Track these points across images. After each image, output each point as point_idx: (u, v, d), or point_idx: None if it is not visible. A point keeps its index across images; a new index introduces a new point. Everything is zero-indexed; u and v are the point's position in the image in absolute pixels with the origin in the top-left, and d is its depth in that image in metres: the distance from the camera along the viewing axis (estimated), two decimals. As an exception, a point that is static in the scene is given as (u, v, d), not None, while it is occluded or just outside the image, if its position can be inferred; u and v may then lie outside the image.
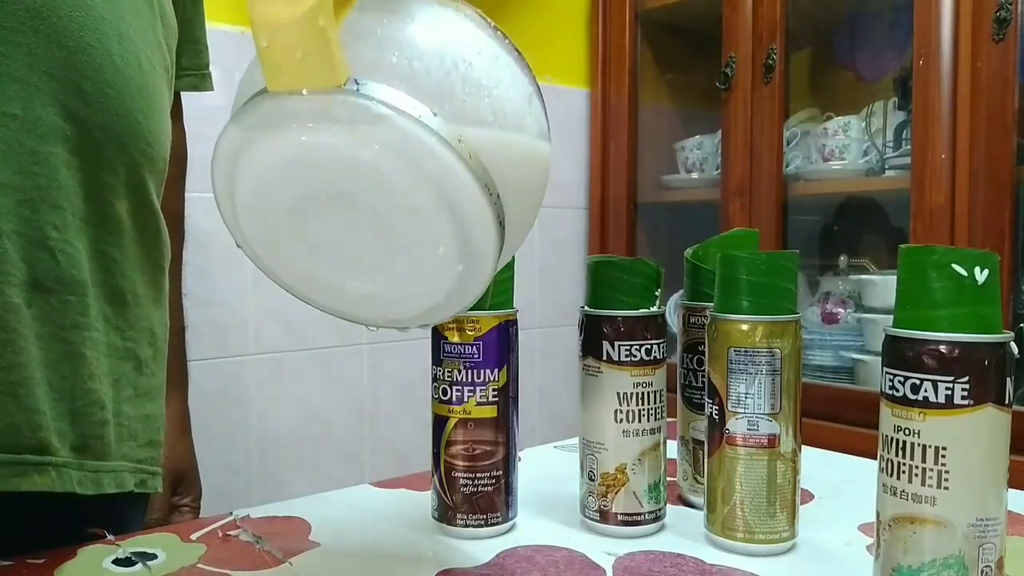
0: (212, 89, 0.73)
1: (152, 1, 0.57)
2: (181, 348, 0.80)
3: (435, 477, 0.54)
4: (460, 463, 0.53)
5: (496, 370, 0.53)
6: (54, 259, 0.50)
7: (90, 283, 0.53)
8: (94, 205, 0.53)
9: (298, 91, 0.29)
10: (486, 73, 0.32)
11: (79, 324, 0.52)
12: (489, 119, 0.33)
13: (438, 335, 0.53)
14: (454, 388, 0.53)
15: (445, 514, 0.54)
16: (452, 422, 0.53)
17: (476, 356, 0.52)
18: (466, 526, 0.53)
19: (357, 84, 0.29)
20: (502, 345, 0.53)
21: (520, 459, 0.56)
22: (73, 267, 0.51)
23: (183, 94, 0.74)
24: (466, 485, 0.53)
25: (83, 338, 0.52)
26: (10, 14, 0.47)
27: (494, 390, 0.53)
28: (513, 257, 0.51)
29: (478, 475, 0.53)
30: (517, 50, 0.35)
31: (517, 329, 0.54)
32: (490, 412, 0.53)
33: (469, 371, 0.52)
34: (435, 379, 0.54)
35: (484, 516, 0.53)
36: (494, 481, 0.53)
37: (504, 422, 0.53)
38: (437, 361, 0.54)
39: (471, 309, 0.51)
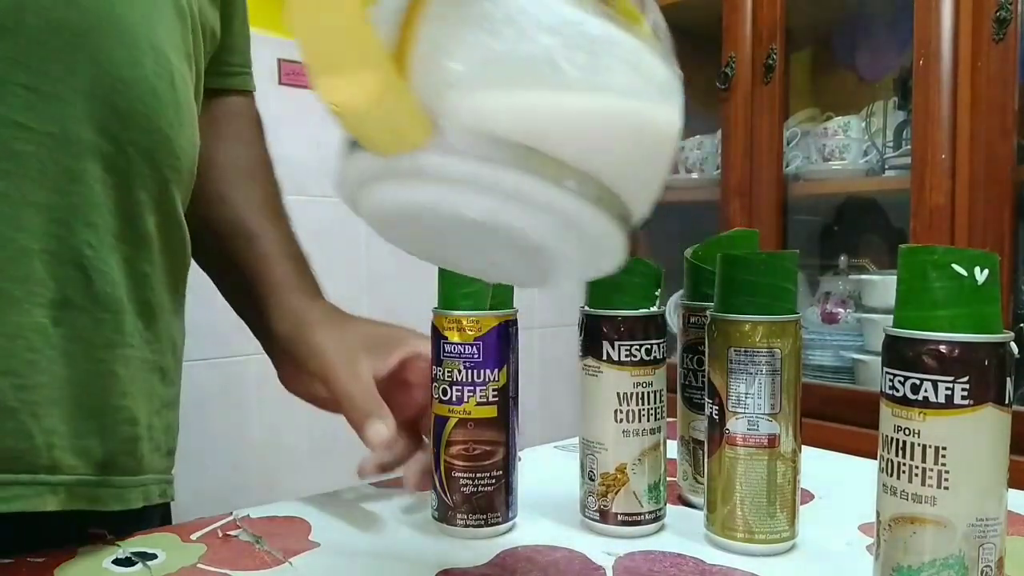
0: (254, 88, 0.72)
1: (185, 14, 0.57)
2: None
3: (435, 477, 0.54)
4: (460, 463, 0.53)
5: (496, 370, 0.52)
6: (88, 277, 0.50)
7: (125, 300, 0.53)
8: (127, 222, 0.53)
9: (388, 154, 0.28)
10: (579, 70, 0.29)
11: (113, 342, 0.52)
12: (592, 117, 0.29)
13: (438, 335, 0.53)
14: (454, 388, 0.52)
15: (445, 514, 0.53)
16: (452, 422, 0.53)
17: (476, 356, 0.52)
18: (466, 526, 0.53)
19: (441, 136, 0.28)
20: (502, 345, 0.53)
21: (520, 459, 0.56)
22: (107, 285, 0.51)
23: None
24: (466, 485, 0.53)
25: (115, 355, 0.52)
26: (54, 33, 0.47)
27: (494, 390, 0.52)
28: None
29: (478, 475, 0.53)
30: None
31: (517, 329, 0.54)
32: (490, 412, 0.53)
33: (469, 371, 0.52)
34: (435, 379, 0.53)
35: (484, 516, 0.53)
36: (494, 481, 0.53)
37: (504, 422, 0.53)
38: (437, 361, 0.53)
39: (472, 309, 0.52)
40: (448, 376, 0.53)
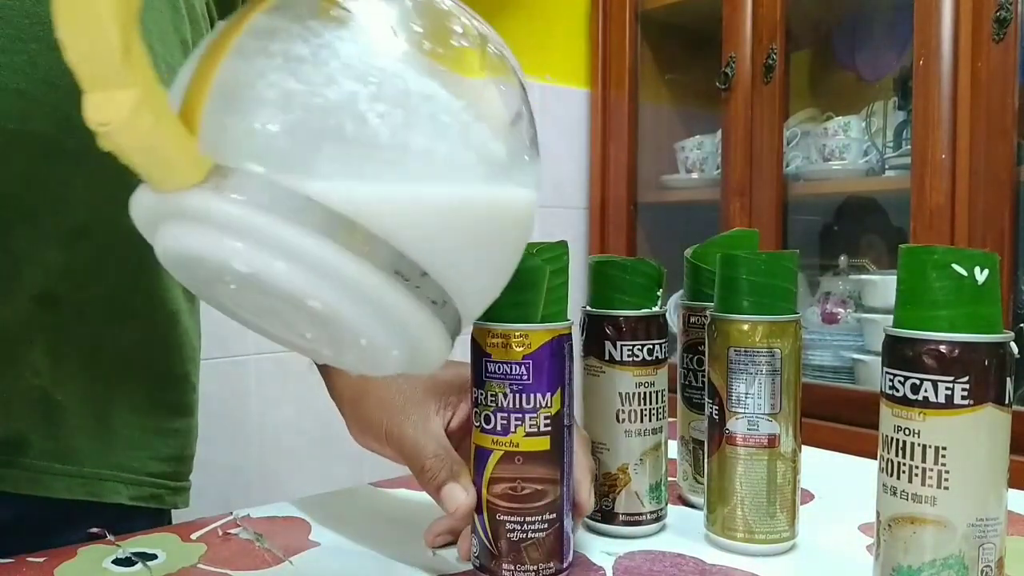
0: None
1: (178, 2, 0.55)
2: None
3: (477, 519, 0.46)
4: (506, 504, 0.45)
5: (549, 394, 0.45)
6: (19, 272, 0.49)
7: (75, 298, 0.52)
8: (101, 220, 0.51)
9: (160, 192, 0.26)
10: (387, 124, 0.26)
11: (29, 335, 0.51)
12: (398, 183, 0.27)
13: (479, 351, 0.45)
14: (499, 415, 0.45)
15: (489, 563, 0.46)
16: (496, 455, 0.45)
17: (525, 377, 0.44)
18: None
19: (220, 178, 0.25)
20: (556, 364, 0.45)
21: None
22: (32, 278, 0.50)
23: None
24: (513, 531, 0.45)
25: (45, 347, 0.52)
26: (7, 21, 0.45)
27: (546, 418, 0.45)
28: (567, 261, 0.46)
29: (527, 519, 0.45)
30: (461, 48, 0.29)
31: (572, 345, 0.46)
32: (542, 444, 0.45)
33: (516, 395, 0.44)
34: (476, 403, 0.46)
35: (535, 568, 0.45)
36: (547, 526, 0.45)
37: (558, 456, 0.45)
38: (478, 382, 0.45)
39: (520, 321, 0.44)
40: (492, 401, 0.45)
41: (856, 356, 1.44)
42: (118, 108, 0.24)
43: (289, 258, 0.25)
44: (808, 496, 0.62)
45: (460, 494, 0.45)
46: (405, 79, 0.27)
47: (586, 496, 0.48)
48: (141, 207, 0.28)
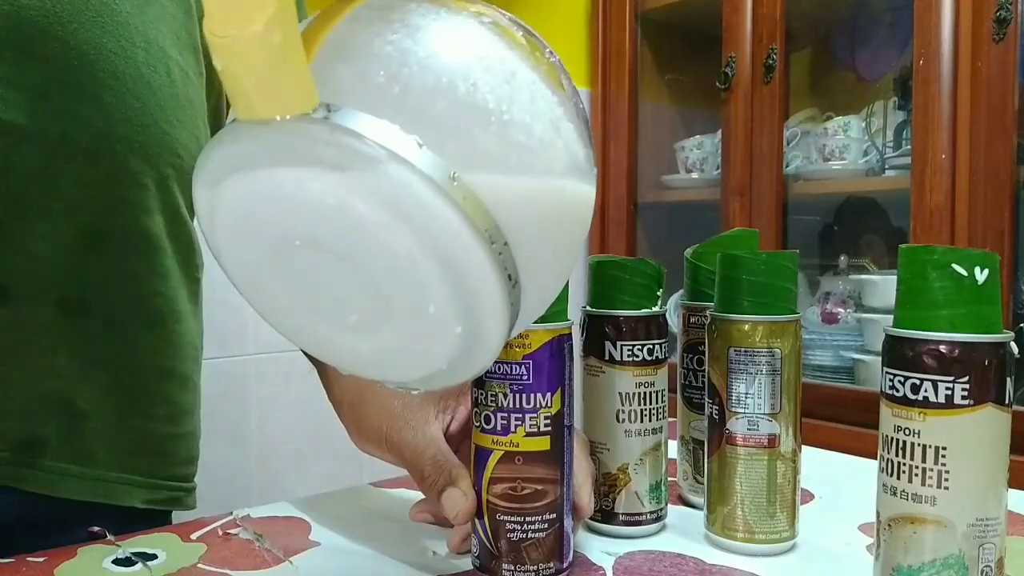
0: None
1: (190, 5, 0.55)
2: None
3: (477, 520, 0.46)
4: (506, 504, 0.45)
5: (549, 394, 0.45)
6: (34, 272, 0.49)
7: (95, 302, 0.52)
8: (115, 220, 0.51)
9: (262, 120, 0.25)
10: (495, 95, 0.27)
11: (41, 338, 0.51)
12: (496, 152, 0.27)
13: None
14: (499, 415, 0.44)
15: (489, 563, 0.46)
16: (496, 455, 0.45)
17: (525, 377, 0.44)
18: None
19: (328, 111, 0.25)
20: (556, 364, 0.45)
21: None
22: (48, 279, 0.50)
23: None
24: (513, 531, 0.45)
25: (45, 349, 0.52)
26: (26, 21, 0.45)
27: (546, 418, 0.45)
28: None
29: (527, 519, 0.45)
30: (552, 62, 0.30)
31: (572, 345, 0.47)
32: (542, 444, 0.45)
33: (516, 395, 0.44)
34: (476, 403, 0.46)
35: (535, 568, 0.45)
36: (547, 526, 0.45)
37: (558, 456, 0.45)
38: (478, 382, 0.45)
39: None
40: (492, 401, 0.45)
41: (856, 356, 1.44)
42: (252, 19, 0.23)
43: (387, 197, 0.25)
44: (808, 496, 0.62)
45: (460, 499, 0.45)
46: (511, 62, 0.28)
47: (586, 500, 0.48)
48: (226, 143, 0.27)
